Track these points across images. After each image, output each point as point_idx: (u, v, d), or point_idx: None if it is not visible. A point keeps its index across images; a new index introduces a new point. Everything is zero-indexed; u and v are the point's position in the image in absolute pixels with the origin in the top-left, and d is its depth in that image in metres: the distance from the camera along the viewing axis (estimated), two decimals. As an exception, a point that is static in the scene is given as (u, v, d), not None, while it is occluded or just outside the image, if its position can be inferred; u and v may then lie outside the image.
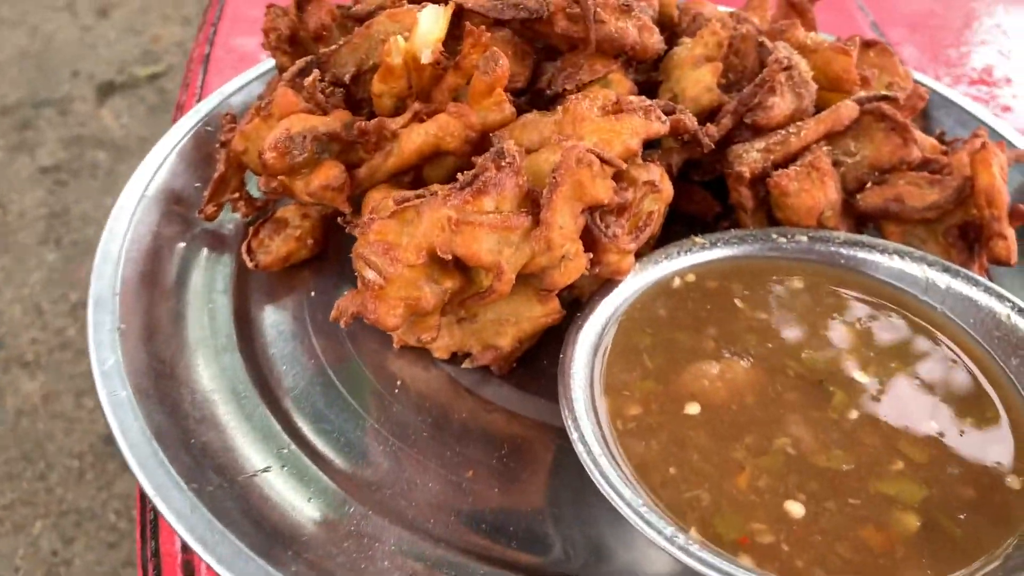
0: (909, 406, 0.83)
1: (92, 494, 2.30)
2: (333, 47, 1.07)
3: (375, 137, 0.98)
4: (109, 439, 2.31)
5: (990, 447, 0.81)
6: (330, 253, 1.09)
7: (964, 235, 1.01)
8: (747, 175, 1.02)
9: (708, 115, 1.08)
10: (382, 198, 0.96)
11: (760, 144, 1.05)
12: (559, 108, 0.95)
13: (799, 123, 1.05)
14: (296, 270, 1.07)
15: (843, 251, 0.99)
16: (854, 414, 0.83)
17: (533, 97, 1.12)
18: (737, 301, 0.95)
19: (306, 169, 0.97)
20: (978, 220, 0.99)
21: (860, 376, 0.87)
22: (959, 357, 0.89)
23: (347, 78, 1.06)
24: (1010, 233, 0.97)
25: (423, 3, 1.06)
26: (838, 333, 0.92)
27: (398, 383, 0.95)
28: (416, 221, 0.82)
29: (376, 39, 1.06)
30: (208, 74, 1.57)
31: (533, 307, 0.92)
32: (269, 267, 1.04)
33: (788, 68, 1.04)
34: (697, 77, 1.09)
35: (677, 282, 0.97)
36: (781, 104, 1.05)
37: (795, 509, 0.75)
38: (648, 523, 0.70)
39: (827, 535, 0.73)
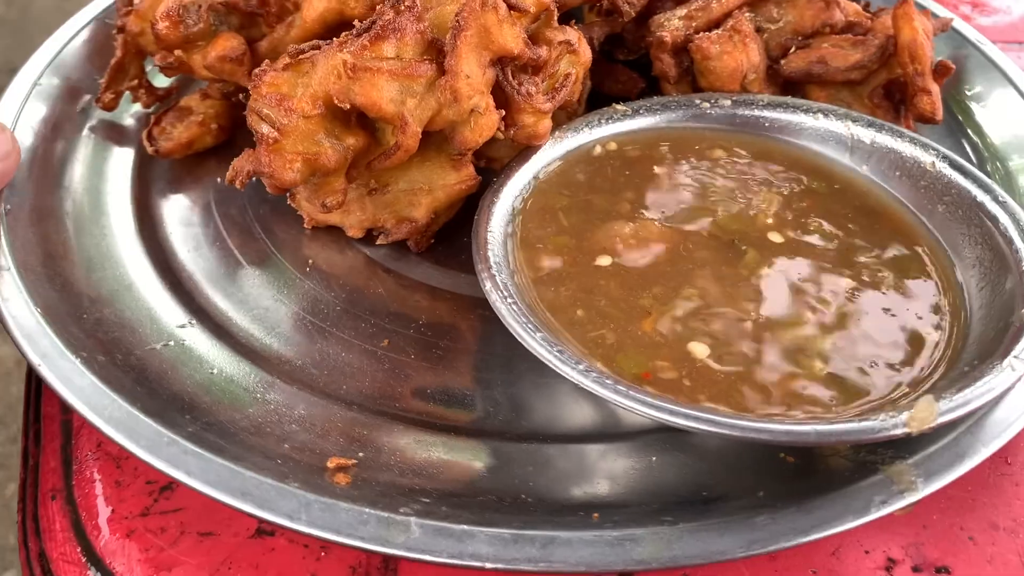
0: (824, 265, 0.81)
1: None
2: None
3: (276, 7, 0.93)
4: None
5: (908, 301, 0.79)
6: (238, 140, 1.03)
7: (889, 95, 0.98)
8: (668, 41, 0.98)
9: (628, -13, 1.05)
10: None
11: (682, 12, 1.01)
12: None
13: (717, -11, 1.02)
14: (202, 158, 1.01)
15: (767, 114, 0.96)
16: (765, 271, 0.80)
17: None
18: (656, 168, 0.92)
19: (203, 41, 0.92)
20: (902, 79, 0.96)
21: (775, 237, 0.84)
22: (880, 220, 0.87)
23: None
24: (935, 89, 0.95)
25: None
26: (757, 198, 0.89)
27: (309, 262, 0.91)
28: (311, 72, 0.78)
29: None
30: None
31: (447, 174, 0.88)
32: (171, 153, 0.99)
33: (706, -72, 1.00)
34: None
35: (598, 150, 0.94)
36: (698, -31, 1.01)
37: (699, 350, 0.72)
38: (560, 359, 0.67)
39: (730, 376, 0.70)
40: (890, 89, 0.98)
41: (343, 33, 0.80)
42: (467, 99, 0.80)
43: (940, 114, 0.95)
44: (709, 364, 0.71)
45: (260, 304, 0.86)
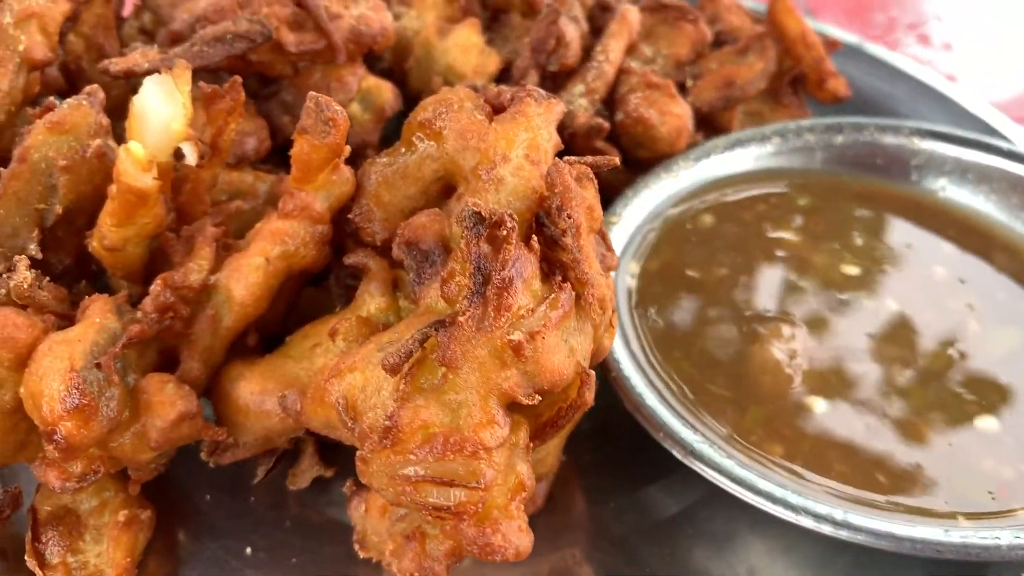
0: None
1: None
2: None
3: (188, 303, 0.59)
4: None
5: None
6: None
7: (796, 90, 0.95)
8: (607, 127, 0.83)
9: (499, 79, 0.86)
10: (259, 390, 0.59)
11: (577, 88, 0.86)
12: (415, 140, 0.66)
13: (595, 50, 0.88)
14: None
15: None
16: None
17: (280, 157, 0.79)
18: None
19: (122, 415, 0.55)
20: (801, 69, 0.93)
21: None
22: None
23: (33, 249, 0.63)
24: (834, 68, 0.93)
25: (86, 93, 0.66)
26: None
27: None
28: (455, 382, 0.50)
29: (45, 166, 0.64)
30: None
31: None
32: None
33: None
34: (460, 43, 0.85)
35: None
36: (574, 34, 0.87)
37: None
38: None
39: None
40: (794, 83, 0.94)
41: (421, 319, 0.53)
42: (611, 302, 0.58)
43: (848, 90, 0.94)
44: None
45: None
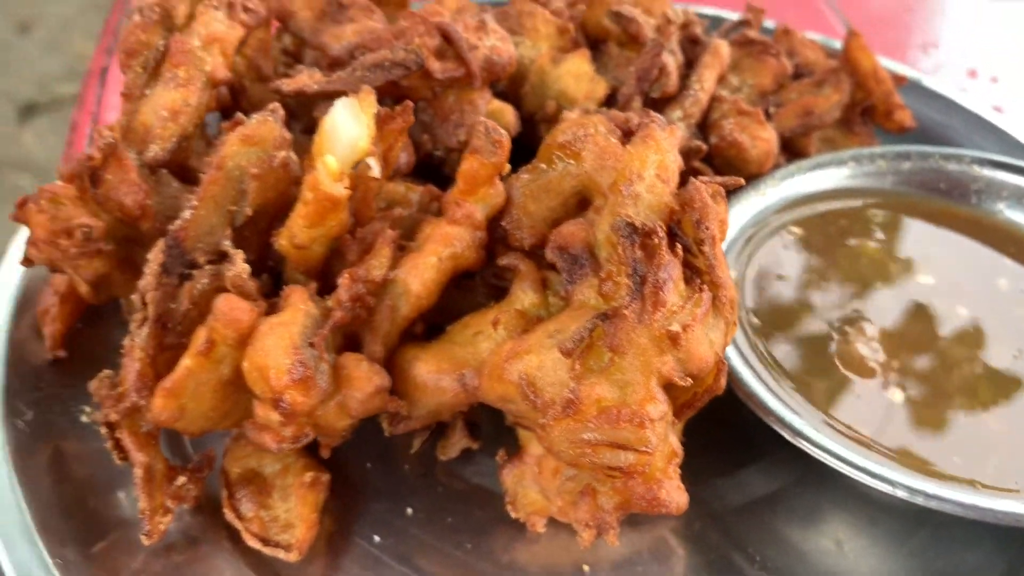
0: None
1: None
2: (182, 219, 0.72)
3: (371, 295, 0.70)
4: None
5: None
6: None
7: (866, 120, 1.05)
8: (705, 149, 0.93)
9: (607, 103, 0.96)
10: (435, 369, 0.70)
11: (675, 113, 0.96)
12: (555, 159, 0.76)
13: (690, 79, 0.99)
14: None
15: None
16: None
17: (422, 168, 0.90)
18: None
19: (331, 387, 0.65)
20: (871, 101, 1.03)
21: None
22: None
23: (227, 245, 0.73)
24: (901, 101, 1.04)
25: (271, 109, 0.76)
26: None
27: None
28: (620, 364, 0.60)
29: (237, 174, 0.74)
30: (106, 89, 1.32)
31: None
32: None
33: (670, 23, 0.96)
34: (572, 71, 0.96)
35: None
36: (673, 65, 0.97)
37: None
38: None
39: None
40: (864, 114, 1.05)
41: (584, 309, 0.63)
42: (736, 301, 0.69)
43: (913, 121, 1.04)
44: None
45: None
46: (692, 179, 0.69)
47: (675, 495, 0.59)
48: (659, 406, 0.59)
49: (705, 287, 0.65)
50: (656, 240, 0.64)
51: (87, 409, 0.80)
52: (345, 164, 0.70)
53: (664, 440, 0.60)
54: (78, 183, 0.75)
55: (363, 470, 0.78)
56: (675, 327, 0.60)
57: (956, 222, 0.96)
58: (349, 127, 0.71)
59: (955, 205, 0.97)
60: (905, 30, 1.61)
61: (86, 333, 0.86)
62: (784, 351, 0.82)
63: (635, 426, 0.58)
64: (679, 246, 0.65)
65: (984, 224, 0.95)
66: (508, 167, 0.73)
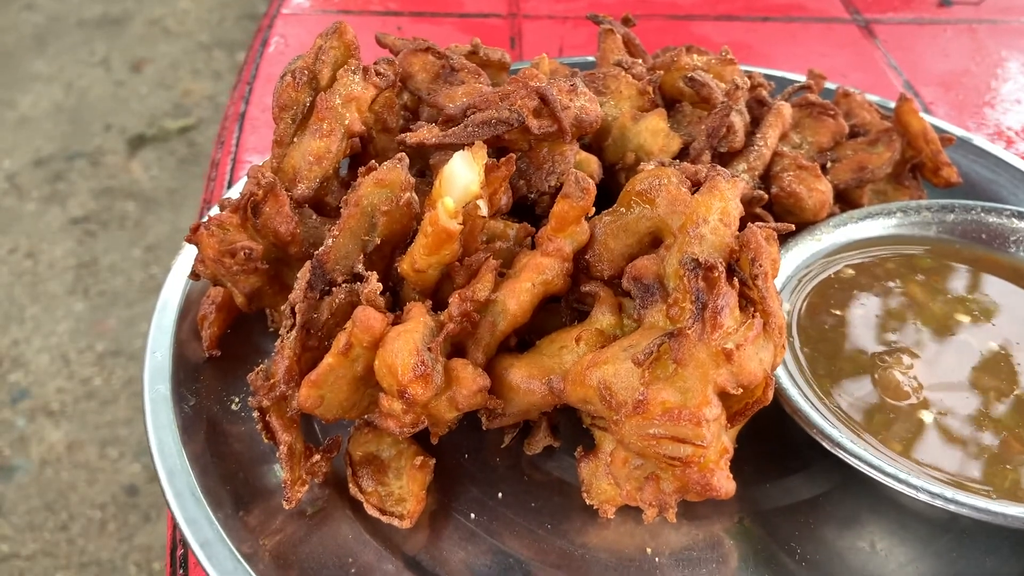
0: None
1: (113, 546, 2.32)
2: (324, 246, 0.88)
3: (476, 312, 0.84)
4: (131, 489, 2.46)
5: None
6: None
7: (915, 175, 1.17)
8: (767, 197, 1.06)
9: (680, 157, 1.10)
10: (527, 375, 0.84)
11: (740, 166, 1.10)
12: (632, 203, 0.90)
13: (755, 136, 1.12)
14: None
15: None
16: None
17: (517, 208, 1.05)
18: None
19: (443, 384, 0.80)
20: (920, 159, 1.15)
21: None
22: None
23: (360, 268, 0.89)
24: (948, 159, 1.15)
25: (395, 157, 0.92)
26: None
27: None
28: (682, 374, 0.74)
29: (370, 210, 0.90)
30: (243, 132, 1.57)
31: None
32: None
33: (738, 88, 1.10)
34: (650, 128, 1.10)
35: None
36: (740, 124, 1.10)
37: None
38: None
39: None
40: (913, 170, 1.16)
41: (651, 330, 0.77)
42: (785, 330, 0.81)
43: (959, 178, 1.15)
44: None
45: None
46: (750, 224, 0.82)
47: (724, 483, 0.72)
48: (714, 409, 0.72)
49: (757, 314, 0.78)
50: (716, 274, 0.77)
51: (236, 399, 0.97)
52: (459, 204, 0.86)
53: (717, 438, 0.73)
54: (241, 213, 0.92)
55: (462, 460, 0.93)
56: (730, 345, 0.74)
57: (995, 268, 1.06)
58: (464, 174, 0.86)
59: (994, 253, 1.08)
60: (963, 91, 1.71)
61: (234, 337, 1.03)
62: (830, 373, 0.94)
63: (693, 424, 0.71)
64: (736, 279, 0.79)
65: (1021, 271, 1.06)
66: (593, 209, 0.88)
